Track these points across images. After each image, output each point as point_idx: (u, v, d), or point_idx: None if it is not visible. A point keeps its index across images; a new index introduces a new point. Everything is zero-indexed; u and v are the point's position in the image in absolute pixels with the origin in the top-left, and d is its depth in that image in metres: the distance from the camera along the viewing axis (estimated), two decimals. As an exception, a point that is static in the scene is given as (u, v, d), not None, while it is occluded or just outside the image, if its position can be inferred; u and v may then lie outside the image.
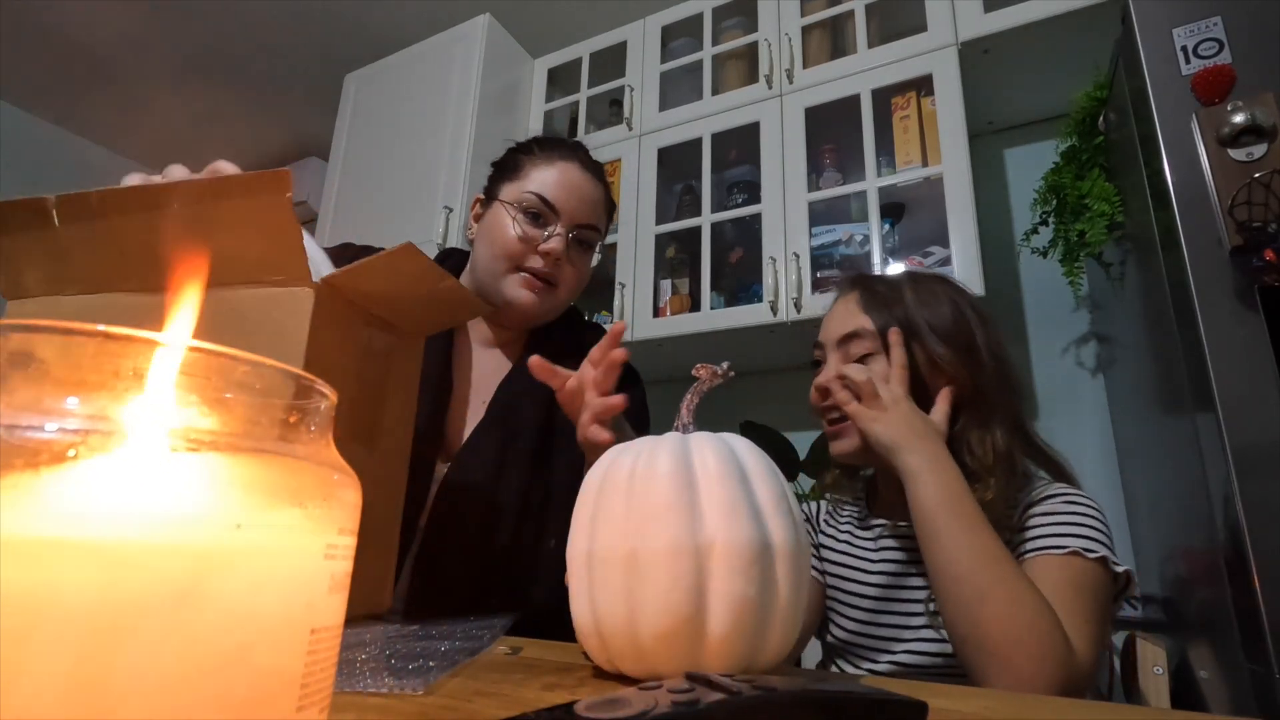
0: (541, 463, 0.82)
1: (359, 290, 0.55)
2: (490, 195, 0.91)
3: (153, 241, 0.51)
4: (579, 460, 0.76)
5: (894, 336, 0.73)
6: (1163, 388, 1.14)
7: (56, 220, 0.52)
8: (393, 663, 0.40)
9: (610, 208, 0.96)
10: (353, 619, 0.25)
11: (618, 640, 0.39)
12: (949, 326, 0.76)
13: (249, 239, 0.49)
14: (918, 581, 0.73)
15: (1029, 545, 0.66)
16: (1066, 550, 0.64)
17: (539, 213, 0.86)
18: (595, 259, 0.94)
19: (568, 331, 0.95)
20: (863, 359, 0.76)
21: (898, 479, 0.69)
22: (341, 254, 0.86)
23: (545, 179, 0.87)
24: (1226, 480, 0.87)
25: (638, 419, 0.88)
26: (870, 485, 0.88)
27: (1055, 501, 0.69)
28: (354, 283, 0.53)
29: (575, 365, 0.85)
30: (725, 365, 0.48)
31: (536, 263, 0.85)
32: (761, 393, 1.93)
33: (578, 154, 0.91)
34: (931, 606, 0.70)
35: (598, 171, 0.92)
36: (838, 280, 0.87)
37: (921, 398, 0.73)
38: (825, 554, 0.84)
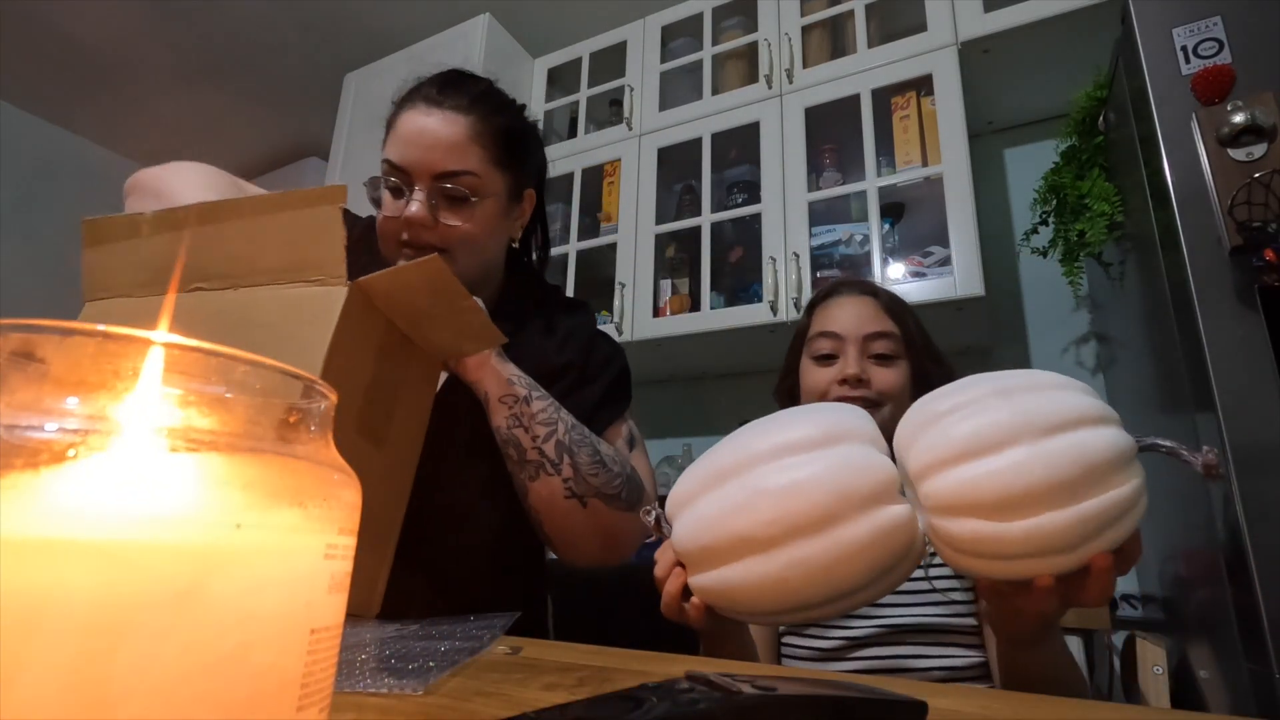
0: (475, 459, 0.75)
1: (384, 296, 0.57)
2: None
3: (219, 247, 0.57)
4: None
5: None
6: (1163, 388, 1.14)
7: (147, 232, 0.58)
8: (392, 663, 0.40)
9: (504, 135, 0.77)
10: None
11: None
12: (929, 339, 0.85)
13: (299, 243, 0.54)
14: None
15: None
16: None
17: (396, 184, 0.75)
18: (523, 204, 0.81)
19: (532, 308, 0.84)
20: (884, 359, 0.81)
21: None
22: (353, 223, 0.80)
23: (392, 140, 0.75)
24: (1226, 480, 0.87)
25: (616, 386, 0.84)
26: None
27: None
28: (381, 287, 0.56)
29: (543, 343, 0.81)
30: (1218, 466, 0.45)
31: (407, 236, 0.74)
32: (762, 393, 1.93)
33: (422, 91, 0.76)
34: (927, 582, 0.73)
35: (456, 103, 0.75)
36: (841, 280, 0.89)
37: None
38: None
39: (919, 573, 0.72)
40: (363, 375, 0.57)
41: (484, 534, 0.78)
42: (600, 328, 0.92)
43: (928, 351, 0.83)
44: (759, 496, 0.44)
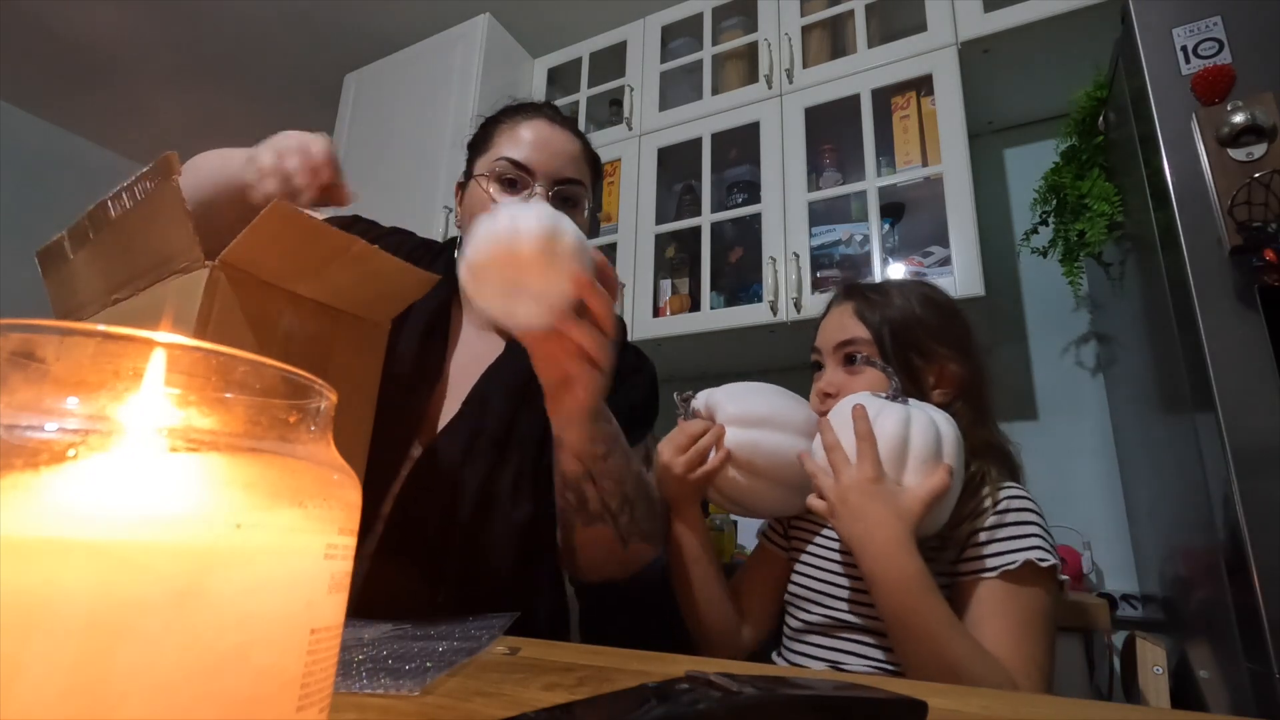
0: (506, 454, 0.79)
1: (260, 266, 0.51)
2: (467, 176, 0.89)
3: (119, 254, 0.53)
4: (536, 453, 0.78)
5: (858, 411, 0.68)
6: (1163, 388, 1.14)
7: (71, 251, 0.56)
8: (390, 663, 0.40)
9: (595, 162, 0.91)
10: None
11: None
12: (941, 323, 0.82)
13: (155, 232, 0.50)
14: None
15: (986, 560, 0.67)
16: (1018, 565, 0.65)
17: (514, 178, 0.82)
18: (585, 219, 0.89)
19: None
20: (854, 367, 0.81)
21: None
22: (351, 225, 0.87)
23: (513, 141, 0.84)
24: (1226, 480, 0.87)
25: (644, 407, 0.89)
26: None
27: (1006, 508, 0.70)
28: (248, 258, 0.50)
29: None
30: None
31: None
32: (761, 393, 1.93)
33: (544, 111, 0.88)
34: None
35: (570, 125, 0.89)
36: (833, 288, 0.90)
37: (923, 399, 0.77)
38: (793, 523, 0.87)
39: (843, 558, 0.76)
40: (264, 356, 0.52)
41: (514, 525, 0.79)
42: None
43: (902, 346, 0.80)
44: (781, 451, 0.77)
